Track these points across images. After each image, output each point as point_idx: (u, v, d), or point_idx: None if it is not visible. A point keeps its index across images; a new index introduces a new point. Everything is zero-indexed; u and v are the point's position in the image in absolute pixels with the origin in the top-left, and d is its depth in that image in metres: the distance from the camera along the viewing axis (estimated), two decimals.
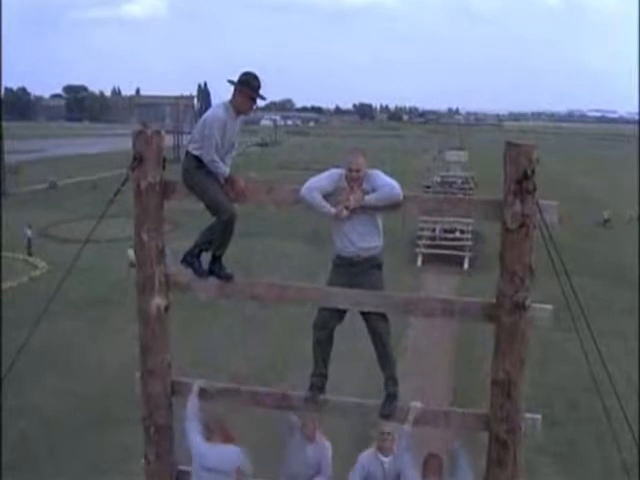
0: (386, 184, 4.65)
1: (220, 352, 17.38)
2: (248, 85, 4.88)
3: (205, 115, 4.97)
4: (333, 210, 4.72)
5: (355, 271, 4.86)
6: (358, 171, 4.72)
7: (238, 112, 4.95)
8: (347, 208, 4.68)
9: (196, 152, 4.89)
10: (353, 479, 5.32)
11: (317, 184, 4.78)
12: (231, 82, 4.90)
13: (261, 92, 4.93)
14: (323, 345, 5.00)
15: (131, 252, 21.89)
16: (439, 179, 43.03)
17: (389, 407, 4.90)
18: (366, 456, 5.38)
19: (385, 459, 5.25)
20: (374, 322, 4.89)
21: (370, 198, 4.64)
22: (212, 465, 4.99)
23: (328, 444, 5.55)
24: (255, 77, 4.91)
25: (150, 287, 4.93)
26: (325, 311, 4.96)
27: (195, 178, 4.89)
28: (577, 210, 36.74)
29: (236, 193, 4.89)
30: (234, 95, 4.91)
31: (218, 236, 4.96)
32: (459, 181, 42.06)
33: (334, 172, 4.85)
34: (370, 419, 5.69)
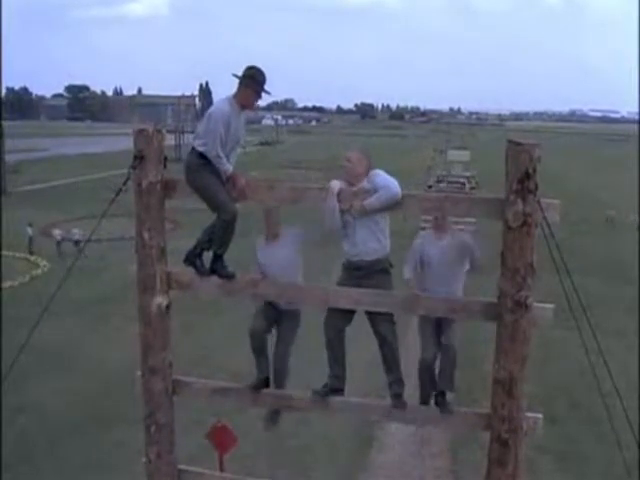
0: (384, 185, 4.64)
1: (221, 350, 17.38)
2: (254, 79, 4.87)
3: (210, 110, 4.96)
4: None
5: (361, 275, 4.86)
6: (348, 161, 4.83)
7: (242, 107, 4.94)
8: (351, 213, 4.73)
9: (201, 148, 4.86)
10: (408, 259, 5.45)
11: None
12: (236, 76, 4.89)
13: (266, 87, 4.93)
14: (334, 346, 4.99)
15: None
16: (441, 179, 42.93)
17: (396, 402, 4.87)
18: (423, 236, 5.53)
19: (442, 241, 5.34)
20: (379, 324, 4.88)
21: (369, 204, 4.65)
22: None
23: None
24: (260, 72, 4.90)
25: (151, 286, 4.92)
26: (332, 311, 4.95)
27: (197, 175, 4.87)
28: (576, 209, 36.73)
29: (237, 191, 4.89)
30: (239, 90, 4.90)
31: (219, 235, 4.94)
32: (461, 180, 42.01)
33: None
34: (372, 418, 5.67)
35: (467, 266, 5.45)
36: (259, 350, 5.36)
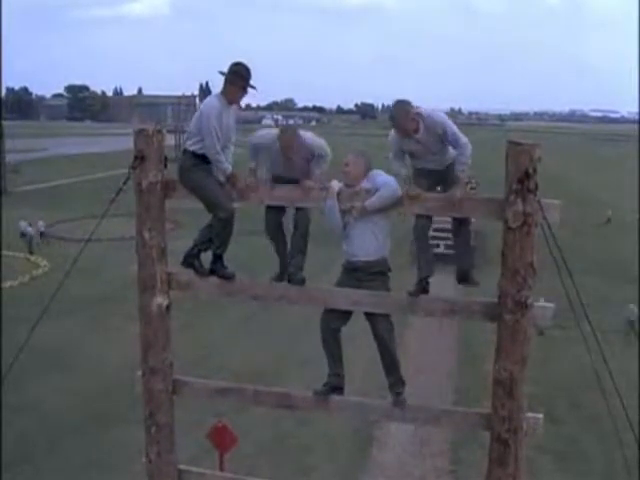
0: (383, 184, 4.69)
1: (221, 350, 17.41)
2: (239, 75, 4.91)
3: (199, 109, 4.99)
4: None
5: (359, 276, 4.88)
6: (346, 165, 4.84)
7: (230, 102, 4.98)
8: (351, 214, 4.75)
9: (194, 147, 4.89)
10: (394, 155, 5.00)
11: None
12: (222, 73, 4.93)
13: (251, 82, 4.96)
14: (330, 345, 5.01)
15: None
16: None
17: (397, 401, 4.88)
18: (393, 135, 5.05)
19: (416, 135, 4.89)
20: (378, 326, 4.89)
21: (370, 204, 4.68)
22: None
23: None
24: (245, 67, 4.95)
25: (151, 286, 4.92)
26: (328, 312, 4.98)
27: (193, 175, 4.88)
28: (577, 210, 36.74)
29: (237, 191, 4.89)
30: (225, 86, 4.94)
31: (217, 235, 4.95)
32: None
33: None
34: (372, 418, 5.67)
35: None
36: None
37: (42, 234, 30.67)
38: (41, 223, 31.24)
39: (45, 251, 28.84)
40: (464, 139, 4.91)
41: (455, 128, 4.92)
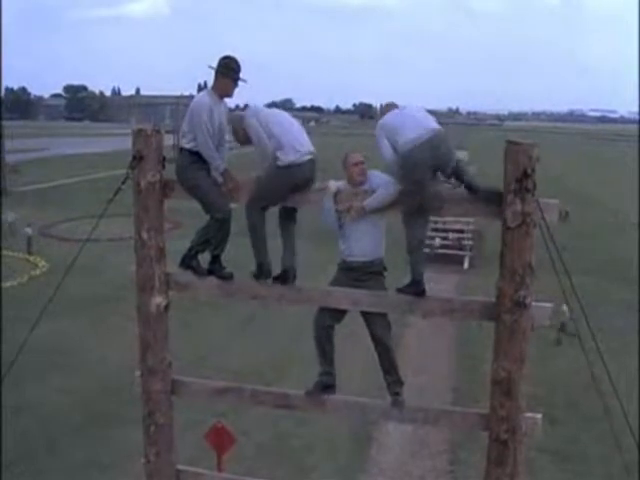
0: (381, 184, 4.71)
1: (220, 350, 17.39)
2: (229, 68, 4.94)
3: (190, 106, 5.01)
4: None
5: (355, 276, 4.91)
6: (362, 162, 4.82)
7: (221, 96, 5.00)
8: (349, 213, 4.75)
9: (188, 145, 4.91)
10: (383, 144, 4.75)
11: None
12: (211, 67, 4.96)
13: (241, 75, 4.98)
14: (323, 344, 5.03)
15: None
16: None
17: (395, 401, 4.88)
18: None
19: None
20: (375, 326, 4.91)
21: (368, 204, 4.69)
22: None
23: None
24: (235, 60, 4.98)
25: (150, 286, 4.93)
26: (322, 310, 5.00)
27: (189, 175, 4.89)
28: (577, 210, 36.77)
29: (230, 189, 4.88)
30: (216, 80, 4.96)
31: (214, 235, 4.95)
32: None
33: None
34: (370, 418, 5.68)
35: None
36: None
37: (10, 225, 30.59)
38: (11, 214, 31.37)
39: (45, 251, 28.83)
40: None
41: None
